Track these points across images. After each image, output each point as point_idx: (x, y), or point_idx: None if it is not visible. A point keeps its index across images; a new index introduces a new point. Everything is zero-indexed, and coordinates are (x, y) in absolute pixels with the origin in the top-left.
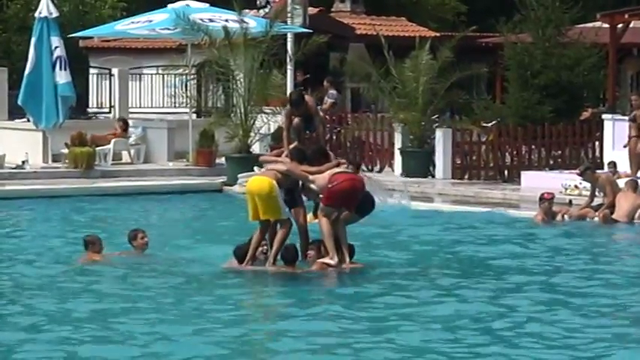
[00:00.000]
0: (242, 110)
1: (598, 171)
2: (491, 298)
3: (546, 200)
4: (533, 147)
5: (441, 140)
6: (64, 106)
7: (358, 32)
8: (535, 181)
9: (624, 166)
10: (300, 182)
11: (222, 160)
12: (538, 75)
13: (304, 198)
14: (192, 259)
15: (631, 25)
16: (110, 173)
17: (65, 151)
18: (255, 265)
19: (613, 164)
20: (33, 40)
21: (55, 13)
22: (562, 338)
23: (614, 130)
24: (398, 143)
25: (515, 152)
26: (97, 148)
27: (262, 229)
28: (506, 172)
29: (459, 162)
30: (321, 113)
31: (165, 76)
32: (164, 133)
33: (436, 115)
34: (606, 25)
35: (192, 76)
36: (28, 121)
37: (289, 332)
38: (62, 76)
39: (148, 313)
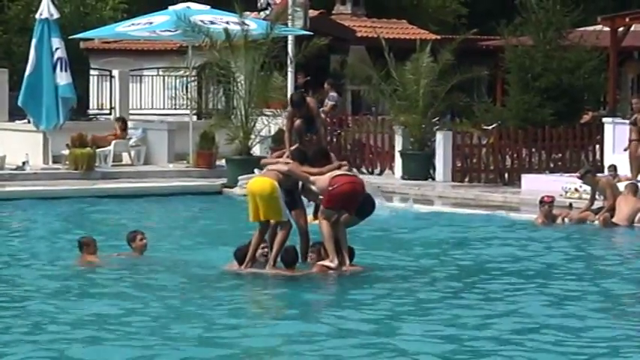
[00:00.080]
0: (242, 112)
1: (598, 174)
2: (492, 300)
3: (546, 203)
4: (533, 150)
5: (442, 143)
6: (64, 108)
7: (359, 35)
8: (535, 184)
9: (625, 169)
10: (300, 183)
11: (223, 162)
12: (539, 78)
13: (305, 200)
14: (191, 261)
15: (632, 29)
16: (110, 175)
17: (65, 152)
18: (255, 267)
19: (613, 167)
20: (34, 41)
21: (55, 15)
22: (563, 340)
23: (615, 134)
24: (398, 146)
25: (515, 155)
26: (98, 150)
27: (261, 230)
28: (506, 175)
29: (459, 165)
30: (322, 115)
31: (166, 77)
32: (164, 135)
33: (437, 118)
34: (607, 29)
35: (192, 78)
36: (29, 122)
37: (289, 335)
38: (63, 78)
39: (147, 314)
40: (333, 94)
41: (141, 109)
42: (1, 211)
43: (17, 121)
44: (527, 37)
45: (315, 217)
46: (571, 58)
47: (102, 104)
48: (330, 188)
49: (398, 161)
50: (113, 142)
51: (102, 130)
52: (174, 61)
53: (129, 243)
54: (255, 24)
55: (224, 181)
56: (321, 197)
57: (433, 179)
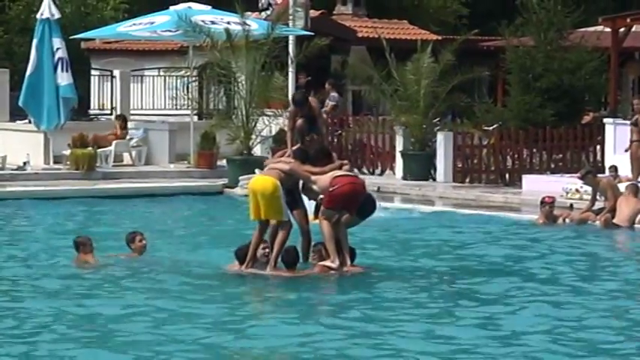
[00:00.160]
0: (243, 112)
1: (599, 175)
2: (492, 300)
3: (547, 204)
4: (534, 150)
5: (443, 143)
6: (65, 108)
7: (360, 35)
8: (536, 185)
9: (625, 170)
10: (301, 182)
11: (224, 162)
12: (540, 78)
13: (305, 199)
14: (192, 262)
15: (633, 29)
16: (111, 175)
17: (66, 152)
18: (256, 267)
19: (614, 168)
20: (35, 41)
21: (56, 15)
22: (563, 339)
23: (616, 134)
24: (399, 146)
25: (516, 156)
26: (99, 150)
27: (261, 228)
28: (507, 176)
29: (460, 165)
30: (324, 116)
31: (167, 78)
32: (165, 135)
33: (437, 118)
34: (608, 29)
35: (193, 78)
36: (30, 122)
37: (289, 335)
38: (64, 78)
39: (146, 314)
40: (334, 94)
41: (142, 109)
42: (2, 211)
43: (18, 121)
44: (528, 38)
45: (316, 216)
46: (572, 59)
47: (103, 104)
48: (331, 189)
49: (399, 161)
50: (114, 142)
51: (103, 130)
52: (175, 61)
53: (128, 244)
54: (256, 24)
55: (225, 181)
56: (321, 197)
57: (434, 180)
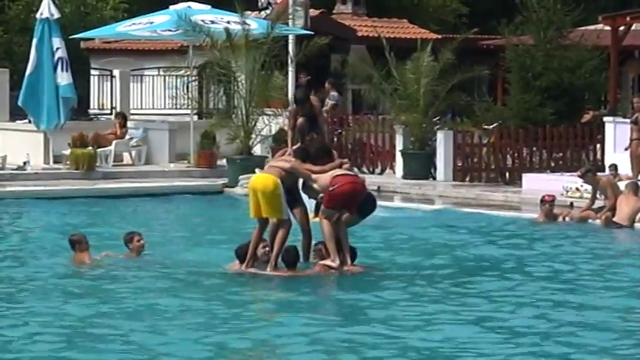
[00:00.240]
0: (243, 112)
1: (599, 173)
2: (492, 299)
3: (547, 202)
4: (534, 149)
5: (442, 142)
6: (65, 108)
7: (359, 34)
8: (536, 184)
9: (625, 168)
10: (301, 181)
11: (224, 161)
12: (539, 77)
13: (305, 197)
14: (192, 261)
15: (633, 28)
16: (111, 174)
17: (66, 152)
18: (257, 266)
19: (614, 167)
20: (34, 41)
21: (56, 15)
22: (564, 339)
23: (616, 133)
24: (399, 145)
25: (516, 154)
26: (99, 150)
27: (261, 227)
28: (507, 175)
29: (460, 164)
30: (325, 115)
31: (167, 77)
32: (165, 135)
33: (437, 117)
34: (608, 28)
35: (193, 78)
36: (30, 122)
37: (289, 336)
38: (64, 78)
39: (145, 314)
40: (333, 93)
41: (142, 108)
42: (2, 210)
43: (18, 121)
44: (528, 37)
45: (316, 214)
46: (572, 58)
47: (103, 104)
48: (331, 188)
49: (399, 160)
50: (114, 142)
51: (103, 130)
52: (175, 60)
53: (126, 244)
54: (255, 23)
55: (225, 180)
56: (322, 195)
57: (434, 179)
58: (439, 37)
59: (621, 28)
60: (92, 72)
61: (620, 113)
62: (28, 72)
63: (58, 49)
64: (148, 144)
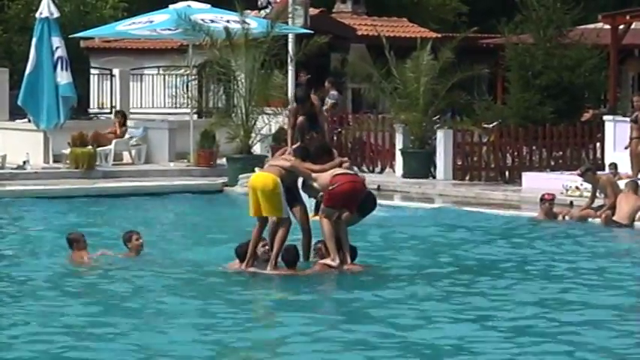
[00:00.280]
0: (243, 111)
1: (599, 172)
2: (492, 297)
3: (547, 201)
4: (534, 148)
5: (442, 141)
6: (65, 107)
7: (359, 33)
8: (536, 182)
9: (625, 167)
10: (301, 180)
11: (223, 160)
12: (539, 76)
13: (305, 196)
14: (191, 260)
15: (632, 27)
16: (111, 174)
17: (66, 151)
18: (257, 264)
19: (614, 165)
20: (34, 40)
21: (55, 14)
22: (564, 338)
23: (615, 132)
24: (399, 144)
25: (516, 153)
26: (98, 149)
27: (260, 225)
28: (507, 173)
29: (459, 163)
30: (325, 113)
31: (167, 76)
32: (165, 134)
33: (437, 116)
34: (607, 26)
35: (193, 77)
36: (29, 121)
37: (289, 335)
38: (63, 77)
39: (144, 314)
40: (333, 92)
41: (141, 107)
42: (2, 210)
43: (18, 120)
44: (528, 35)
45: (316, 213)
46: (571, 56)
47: (102, 103)
48: (331, 187)
49: (399, 159)
50: (114, 141)
51: (102, 129)
52: (174, 59)
53: (125, 243)
54: (255, 22)
55: (225, 179)
56: (321, 194)
57: (434, 177)
58: (439, 35)
59: (621, 26)
60: (92, 71)
61: (620, 112)
62: (27, 71)
63: (57, 48)
64: (147, 143)
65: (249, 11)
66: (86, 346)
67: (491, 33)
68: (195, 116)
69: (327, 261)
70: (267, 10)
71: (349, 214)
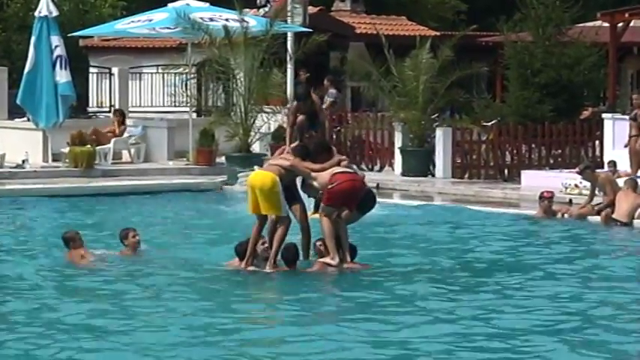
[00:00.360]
0: (242, 109)
1: (598, 170)
2: (492, 296)
3: (546, 199)
4: (533, 146)
5: (441, 139)
6: (64, 106)
7: (358, 31)
8: (535, 180)
9: (624, 165)
10: (300, 179)
11: (223, 159)
12: (538, 74)
13: (304, 195)
14: (191, 259)
15: (631, 24)
16: (110, 172)
17: (65, 150)
18: (256, 262)
19: (613, 163)
20: (33, 39)
21: (54, 12)
22: (564, 337)
23: (615, 129)
24: (398, 142)
25: (515, 151)
26: (97, 148)
27: (260, 223)
28: (506, 171)
29: (459, 161)
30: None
31: (166, 75)
32: (164, 132)
33: (436, 114)
34: (606, 24)
35: (192, 75)
36: (28, 120)
37: (288, 334)
38: (62, 76)
39: (143, 313)
40: (332, 90)
41: (140, 106)
42: (1, 209)
43: (17, 119)
44: (527, 33)
45: (316, 211)
46: (570, 54)
47: (101, 102)
48: (330, 186)
49: (398, 158)
50: (113, 139)
51: (102, 128)
52: (173, 58)
53: (121, 240)
54: (254, 21)
55: (224, 178)
56: (321, 193)
57: (433, 176)
58: (438, 34)
59: (620, 24)
60: (91, 70)
61: (619, 110)
62: (26, 70)
63: (56, 47)
64: (146, 142)
65: (248, 10)
66: (85, 345)
67: (490, 31)
68: (194, 115)
69: (327, 260)
70: (266, 9)
71: (349, 212)
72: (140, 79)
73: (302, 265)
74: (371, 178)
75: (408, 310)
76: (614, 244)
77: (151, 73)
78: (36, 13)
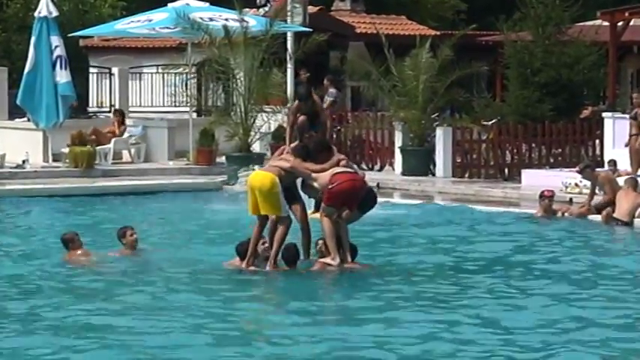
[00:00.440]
0: (242, 109)
1: (598, 169)
2: (492, 295)
3: (546, 198)
4: (533, 145)
5: (442, 139)
6: (64, 106)
7: (358, 31)
8: (535, 180)
9: (625, 164)
10: (300, 179)
11: (223, 159)
12: (538, 73)
13: (304, 196)
14: (191, 259)
15: (631, 23)
16: (110, 172)
17: (65, 150)
18: (257, 262)
19: (613, 162)
20: (33, 39)
21: (54, 13)
22: (565, 336)
23: (615, 128)
24: (398, 142)
25: (515, 150)
26: (98, 148)
27: (260, 223)
28: (506, 171)
29: (459, 160)
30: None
31: (166, 75)
32: (164, 132)
33: (436, 114)
34: (606, 23)
35: (192, 75)
36: (29, 120)
37: (288, 334)
38: (62, 76)
39: (143, 313)
40: (332, 90)
41: (140, 106)
42: (1, 209)
43: (17, 120)
44: (527, 33)
45: (316, 210)
46: (570, 53)
47: (101, 102)
48: (330, 186)
49: (398, 157)
50: (113, 139)
51: (101, 128)
52: (173, 58)
53: (119, 239)
54: (254, 21)
55: (224, 177)
56: (321, 193)
57: (433, 175)
58: (438, 33)
59: (620, 23)
60: (91, 70)
61: (619, 109)
62: (26, 70)
63: (56, 47)
64: (147, 142)
65: (247, 9)
66: (85, 345)
67: (490, 30)
68: (194, 115)
69: (328, 260)
70: (266, 8)
71: (349, 212)
72: (140, 79)
73: (302, 265)
74: (371, 177)
75: (408, 309)
76: (614, 244)
77: (151, 73)
78: (36, 14)
